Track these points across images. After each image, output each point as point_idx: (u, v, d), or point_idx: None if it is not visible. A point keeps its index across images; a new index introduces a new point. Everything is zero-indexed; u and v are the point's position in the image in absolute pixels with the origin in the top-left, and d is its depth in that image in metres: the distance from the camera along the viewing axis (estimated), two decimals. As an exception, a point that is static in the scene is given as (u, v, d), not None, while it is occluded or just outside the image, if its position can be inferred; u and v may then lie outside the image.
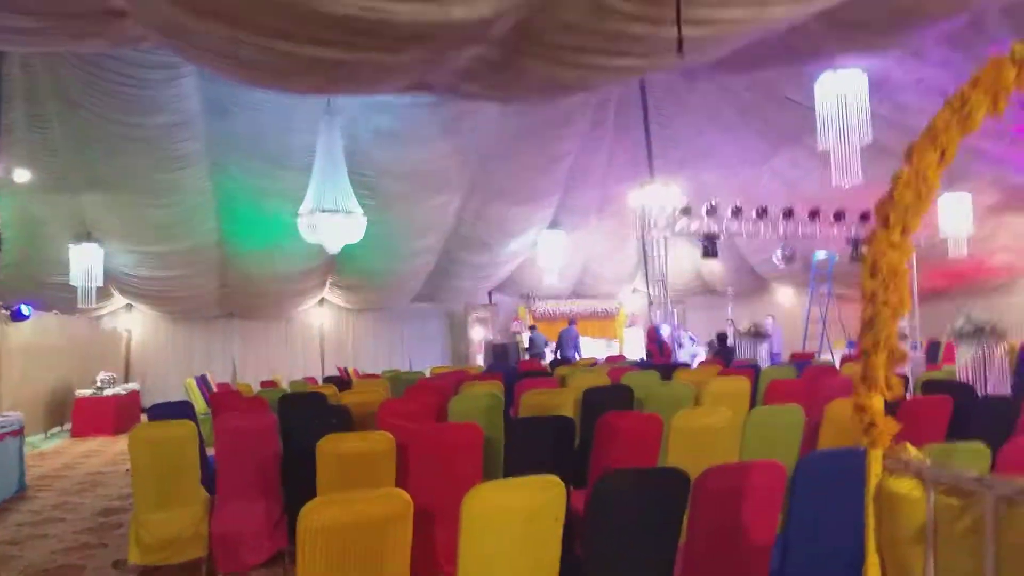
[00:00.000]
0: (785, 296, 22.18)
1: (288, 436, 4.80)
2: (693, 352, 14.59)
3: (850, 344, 16.49)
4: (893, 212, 2.30)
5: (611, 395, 5.64)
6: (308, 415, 5.41)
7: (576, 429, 4.59)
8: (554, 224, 17.42)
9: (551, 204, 16.73)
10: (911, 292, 13.29)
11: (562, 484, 2.73)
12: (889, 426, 2.29)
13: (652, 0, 5.19)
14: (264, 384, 10.29)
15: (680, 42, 4.21)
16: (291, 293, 17.30)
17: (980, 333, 8.95)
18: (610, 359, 12.90)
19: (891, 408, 4.73)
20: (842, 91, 9.39)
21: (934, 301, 20.51)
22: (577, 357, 15.09)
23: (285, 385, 9.92)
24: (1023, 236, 18.25)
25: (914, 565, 2.19)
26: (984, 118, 2.30)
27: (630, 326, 21.02)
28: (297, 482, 3.90)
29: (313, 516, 2.41)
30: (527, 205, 16.05)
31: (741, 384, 5.93)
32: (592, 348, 18.54)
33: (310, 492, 3.56)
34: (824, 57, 8.63)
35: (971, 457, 3.51)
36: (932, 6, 6.53)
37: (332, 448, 3.61)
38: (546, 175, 15.31)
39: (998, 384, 8.94)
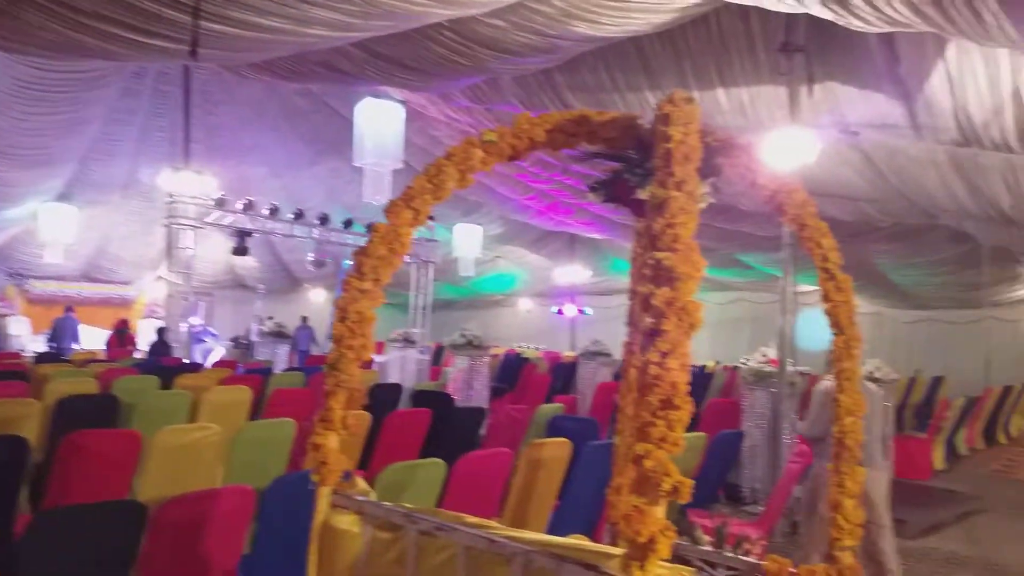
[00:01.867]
0: (318, 296, 22.77)
1: None
2: (209, 348, 14.05)
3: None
4: (367, 262, 2.44)
5: (92, 406, 5.04)
6: None
7: (33, 450, 3.96)
8: (65, 196, 15.17)
9: (62, 174, 14.50)
10: (425, 303, 14.72)
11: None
12: (340, 464, 2.41)
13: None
14: None
15: (194, 42, 3.94)
16: None
17: (469, 346, 10.28)
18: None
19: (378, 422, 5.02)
20: (380, 116, 9.98)
21: (445, 310, 23.16)
22: (75, 348, 13.43)
23: None
24: (518, 262, 21.72)
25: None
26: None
27: (148, 316, 19.36)
28: None
29: None
30: (31, 170, 13.63)
31: (242, 394, 5.81)
32: (101, 338, 16.61)
33: None
34: (366, 82, 9.06)
35: (431, 472, 3.93)
36: (459, 64, 7.32)
37: None
38: (59, 140, 13.19)
39: (481, 391, 10.38)
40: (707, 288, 20.95)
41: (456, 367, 10.27)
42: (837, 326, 2.83)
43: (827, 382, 4.77)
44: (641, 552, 1.68)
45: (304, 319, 17.46)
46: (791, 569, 2.67)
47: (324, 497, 2.41)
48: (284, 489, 3.17)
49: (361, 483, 2.49)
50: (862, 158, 8.70)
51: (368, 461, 5.06)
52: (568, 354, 17.47)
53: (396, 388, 7.94)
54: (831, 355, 2.68)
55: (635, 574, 1.67)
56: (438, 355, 14.97)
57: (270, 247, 18.29)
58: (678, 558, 3.01)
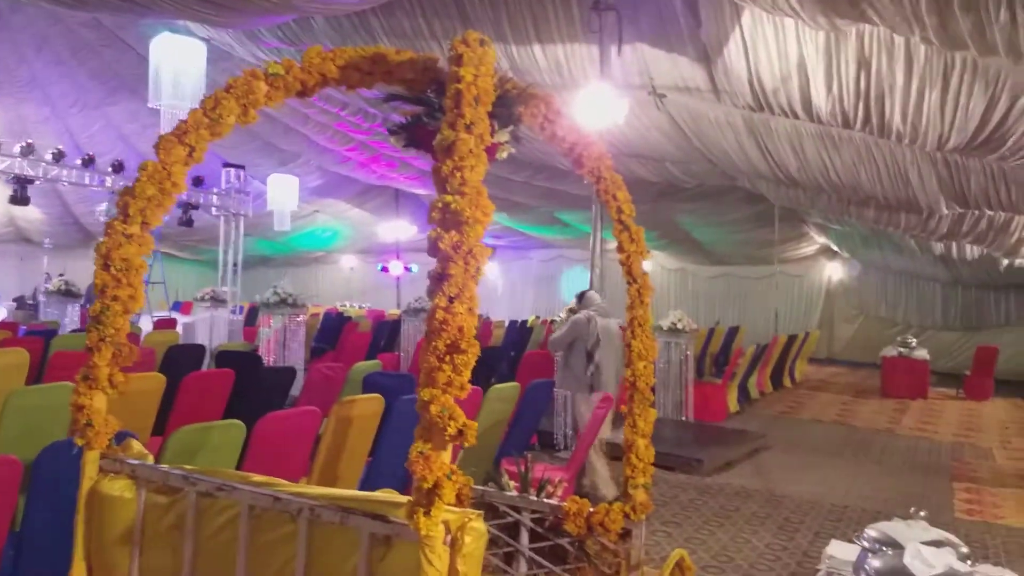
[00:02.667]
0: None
1: None
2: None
3: (175, 306, 16.58)
4: (134, 204, 2.21)
5: None
6: None
7: None
8: None
9: None
10: (237, 259, 13.95)
11: None
12: (108, 426, 2.19)
13: None
14: None
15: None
16: None
17: (284, 304, 9.87)
18: None
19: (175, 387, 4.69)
20: (179, 53, 9.17)
21: (260, 267, 22.12)
22: None
23: None
24: (339, 217, 20.98)
25: (120, 567, 2.14)
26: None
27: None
28: None
29: None
30: None
31: (17, 357, 5.23)
32: None
33: None
34: (162, 15, 8.27)
35: (228, 434, 3.71)
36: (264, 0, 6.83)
37: None
38: None
39: (298, 351, 10.02)
40: (529, 246, 21.49)
41: (272, 327, 9.85)
42: (630, 275, 2.94)
43: (580, 316, 6.10)
44: (427, 498, 1.66)
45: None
46: (590, 508, 2.79)
47: (91, 462, 2.19)
48: (54, 458, 2.87)
49: (136, 446, 2.28)
50: (668, 120, 9.15)
51: (163, 426, 4.72)
52: (393, 312, 17.29)
53: (197, 348, 7.46)
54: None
55: (420, 520, 1.65)
56: (253, 315, 14.27)
57: (57, 197, 16.52)
58: (485, 505, 3.06)
